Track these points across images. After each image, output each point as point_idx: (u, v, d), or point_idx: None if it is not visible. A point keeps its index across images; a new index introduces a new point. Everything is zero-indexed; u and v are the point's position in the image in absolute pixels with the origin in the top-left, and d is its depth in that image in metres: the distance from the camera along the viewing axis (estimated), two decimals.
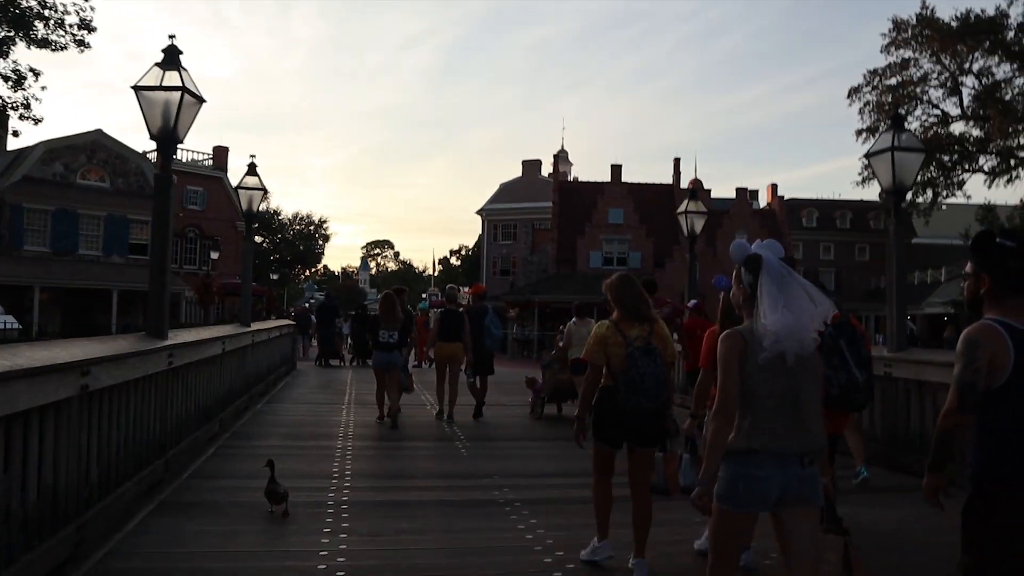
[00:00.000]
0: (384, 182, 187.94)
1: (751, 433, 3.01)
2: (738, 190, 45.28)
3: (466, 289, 56.00)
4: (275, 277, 59.24)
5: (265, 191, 13.73)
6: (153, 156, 38.88)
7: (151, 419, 6.74)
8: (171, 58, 7.66)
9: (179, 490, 6.77)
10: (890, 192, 9.47)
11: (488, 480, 7.45)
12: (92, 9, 23.72)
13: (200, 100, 7.84)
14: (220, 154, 43.57)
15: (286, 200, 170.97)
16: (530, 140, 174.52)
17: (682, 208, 15.51)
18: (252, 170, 13.57)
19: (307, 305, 50.16)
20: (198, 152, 43.96)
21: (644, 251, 42.68)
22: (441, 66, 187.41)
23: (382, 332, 10.96)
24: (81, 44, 23.48)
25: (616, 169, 44.78)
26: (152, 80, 7.55)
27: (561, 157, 57.29)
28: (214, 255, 36.41)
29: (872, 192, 52.51)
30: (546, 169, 61.96)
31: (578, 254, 42.76)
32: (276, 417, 11.75)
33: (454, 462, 8.59)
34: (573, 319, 11.14)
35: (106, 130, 36.26)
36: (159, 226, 7.72)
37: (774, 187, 58.64)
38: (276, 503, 5.92)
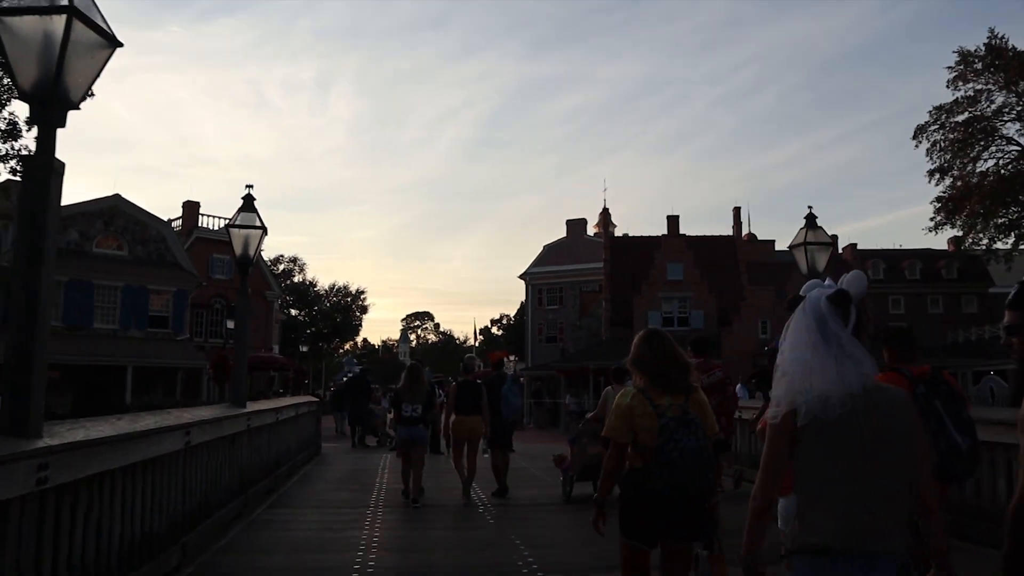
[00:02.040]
0: (423, 254, 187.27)
1: (817, 525, 2.39)
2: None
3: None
4: (304, 349, 56.10)
5: (264, 230, 10.67)
6: (179, 224, 36.75)
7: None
8: None
9: None
10: None
11: None
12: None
13: (112, 42, 4.76)
14: None
15: (325, 274, 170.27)
16: (570, 207, 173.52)
17: (799, 239, 12.16)
18: (248, 204, 10.57)
19: (345, 379, 47.36)
20: (225, 219, 41.43)
21: (707, 309, 38.73)
22: (476, 138, 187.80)
23: (405, 405, 10.45)
24: None
25: (673, 220, 40.83)
26: None
27: (607, 215, 54.29)
28: (230, 324, 33.31)
29: (941, 240, 48.63)
30: (591, 229, 59.40)
31: (635, 314, 38.63)
32: (273, 533, 8.46)
33: None
34: (610, 385, 10.03)
35: (125, 195, 33.97)
36: (31, 243, 4.53)
37: (834, 238, 55.02)
38: None
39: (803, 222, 12.21)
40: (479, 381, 11.39)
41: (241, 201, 10.59)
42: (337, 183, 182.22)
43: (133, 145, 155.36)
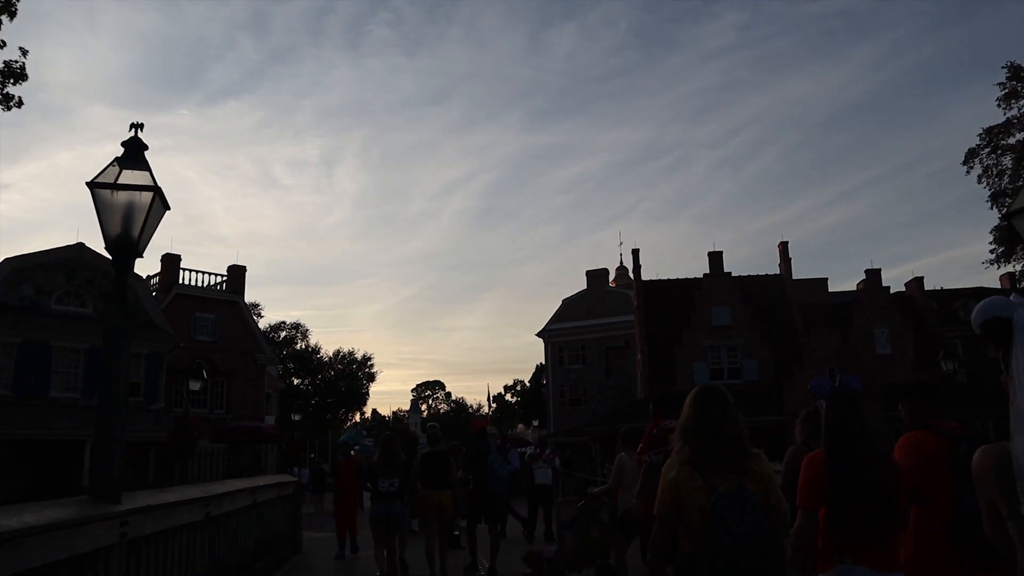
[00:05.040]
0: (433, 325, 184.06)
1: None
2: (868, 272, 35.93)
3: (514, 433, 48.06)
4: (297, 418, 50.88)
5: (159, 193, 6.14)
6: (156, 280, 32.49)
7: None
8: None
9: None
10: None
11: None
12: (23, 53, 17.49)
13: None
14: (236, 275, 36.47)
15: (332, 347, 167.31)
16: (579, 269, 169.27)
17: None
18: (134, 154, 6.09)
19: (352, 454, 42.46)
20: (213, 274, 37.23)
21: (761, 357, 33.79)
22: (481, 208, 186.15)
23: (381, 481, 9.43)
24: (7, 100, 17.20)
25: (715, 257, 36.04)
26: None
27: (636, 256, 49.77)
28: (195, 386, 27.31)
29: (993, 277, 43.74)
30: (611, 283, 55.25)
31: (677, 367, 33.88)
32: None
33: None
34: (622, 452, 8.18)
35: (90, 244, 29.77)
36: None
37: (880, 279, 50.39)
38: None
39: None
40: (447, 452, 10.54)
41: (123, 148, 6.15)
42: (344, 257, 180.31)
43: None
